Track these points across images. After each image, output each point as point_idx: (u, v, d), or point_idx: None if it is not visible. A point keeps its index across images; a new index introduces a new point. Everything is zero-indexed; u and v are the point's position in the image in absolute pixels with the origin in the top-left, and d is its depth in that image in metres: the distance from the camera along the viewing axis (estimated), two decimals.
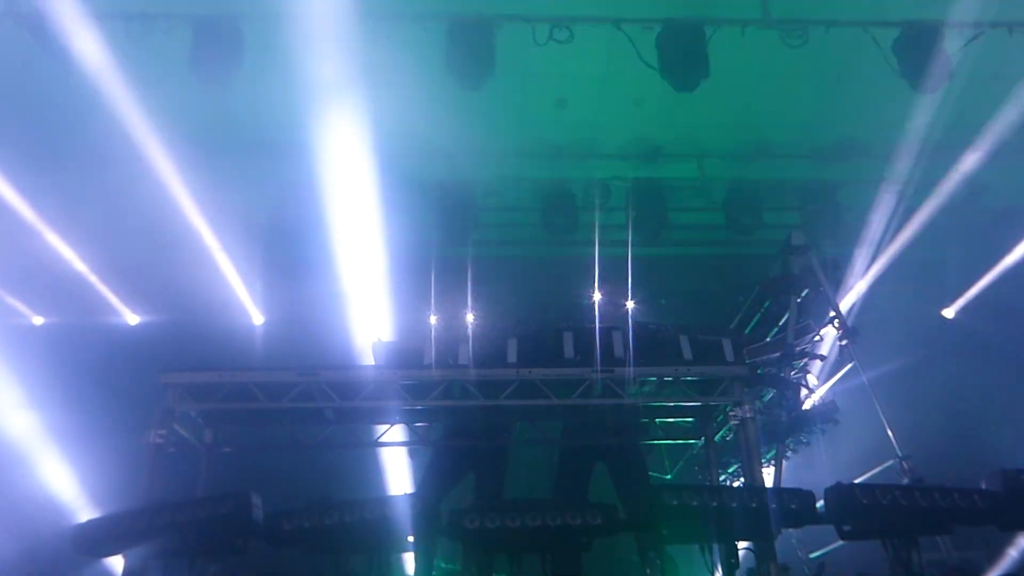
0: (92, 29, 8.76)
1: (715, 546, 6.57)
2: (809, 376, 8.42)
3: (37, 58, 8.91)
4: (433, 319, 8.41)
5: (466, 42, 9.10)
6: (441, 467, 8.20)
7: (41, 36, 8.58)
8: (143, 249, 11.32)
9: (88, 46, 8.82)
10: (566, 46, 9.04)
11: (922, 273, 12.21)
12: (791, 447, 8.70)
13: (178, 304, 11.87)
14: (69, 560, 6.85)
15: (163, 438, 7.14)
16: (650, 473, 8.65)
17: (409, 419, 8.11)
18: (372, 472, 12.18)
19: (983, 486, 6.68)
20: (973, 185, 11.31)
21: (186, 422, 7.63)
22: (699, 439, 8.85)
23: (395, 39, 9.19)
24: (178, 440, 7.46)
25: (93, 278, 12.12)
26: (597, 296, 8.64)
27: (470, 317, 8.28)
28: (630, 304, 8.58)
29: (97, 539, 6.39)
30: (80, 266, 11.87)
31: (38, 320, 12.95)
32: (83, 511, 8.93)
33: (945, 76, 9.09)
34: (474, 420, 7.83)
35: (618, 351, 7.46)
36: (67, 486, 9.86)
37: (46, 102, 9.88)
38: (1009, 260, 12.16)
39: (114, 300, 12.61)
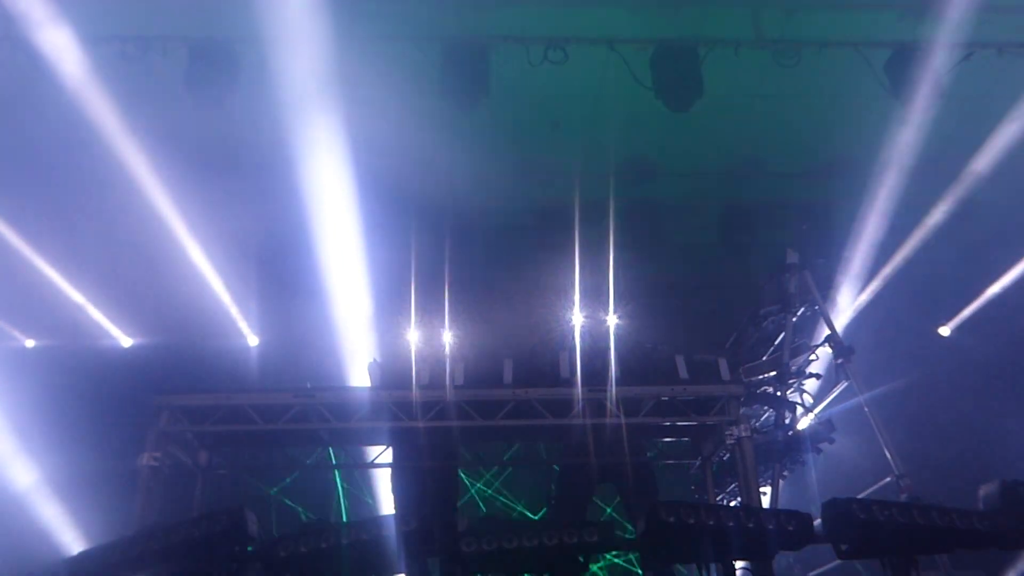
0: (88, 51, 8.78)
1: (712, 566, 6.54)
2: (805, 395, 8.43)
3: (30, 81, 8.92)
4: (430, 339, 8.40)
5: (460, 63, 9.14)
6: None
7: (37, 59, 8.59)
8: (137, 271, 11.28)
9: (83, 68, 8.85)
10: (560, 67, 9.09)
11: (917, 291, 12.24)
12: (787, 467, 8.69)
13: (172, 326, 11.83)
14: None
15: (158, 460, 7.10)
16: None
17: (404, 439, 8.08)
18: (368, 493, 12.14)
19: (981, 495, 6.66)
20: (967, 203, 11.36)
21: (181, 444, 7.59)
22: (696, 459, 8.83)
23: (389, 61, 9.23)
24: (173, 462, 7.42)
25: (86, 301, 12.07)
26: (591, 317, 8.64)
27: (466, 338, 8.28)
28: (613, 319, 8.59)
29: (92, 570, 6.32)
30: (72, 289, 11.82)
31: (30, 343, 12.89)
32: (76, 537, 8.84)
33: (936, 96, 9.16)
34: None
35: (614, 371, 7.46)
36: (59, 511, 9.75)
37: (38, 125, 9.86)
38: (1005, 278, 12.21)
39: (107, 323, 12.56)
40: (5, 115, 9.60)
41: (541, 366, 7.73)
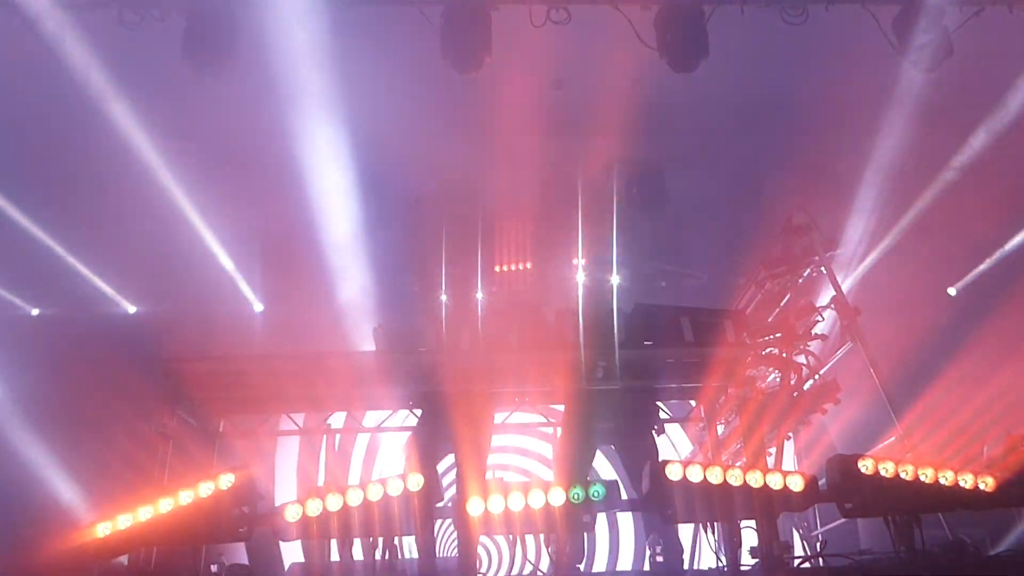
0: (85, 17, 8.70)
1: (718, 525, 6.60)
2: (810, 355, 8.42)
3: (32, 54, 8.84)
4: (437, 301, 8.41)
5: (462, 25, 9.01)
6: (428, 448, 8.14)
7: (35, 25, 8.51)
8: (141, 239, 11.24)
9: (82, 36, 8.78)
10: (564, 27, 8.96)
11: (925, 251, 12.17)
12: (792, 428, 8.73)
13: (178, 293, 11.83)
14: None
15: (167, 426, 7.15)
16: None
17: (411, 403, 8.11)
18: (377, 456, 12.23)
19: (986, 452, 6.70)
20: (975, 162, 11.25)
21: (190, 410, 7.63)
22: (701, 420, 8.87)
23: (390, 23, 9.14)
24: (182, 428, 7.47)
25: (88, 270, 12.04)
26: (598, 277, 8.61)
27: (475, 299, 8.29)
28: (615, 279, 8.57)
29: (107, 540, 6.39)
30: (75, 258, 11.78)
31: (35, 311, 12.90)
32: (86, 507, 8.87)
33: (945, 53, 9.03)
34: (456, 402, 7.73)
35: (621, 334, 7.46)
36: (68, 481, 9.78)
37: (43, 99, 9.78)
38: (1014, 238, 12.12)
39: (111, 290, 12.54)
40: (8, 89, 9.51)
41: (547, 329, 7.73)
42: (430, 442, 7.99)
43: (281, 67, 9.30)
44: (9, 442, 9.68)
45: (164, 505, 6.37)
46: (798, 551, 9.43)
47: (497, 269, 13.24)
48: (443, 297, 8.43)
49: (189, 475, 7.34)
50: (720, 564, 6.72)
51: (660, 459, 8.13)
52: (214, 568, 7.15)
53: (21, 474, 9.52)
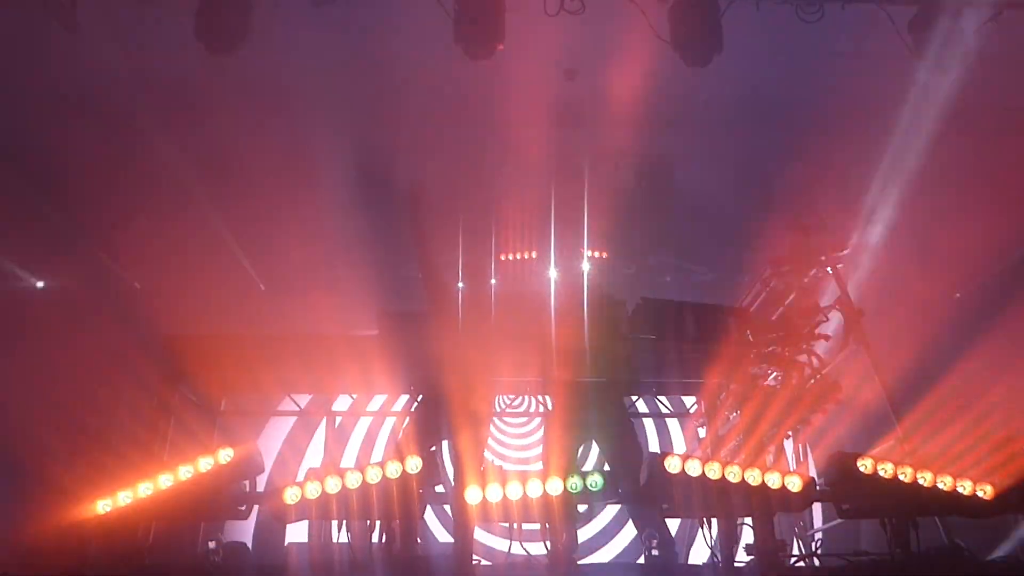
0: None
1: (714, 521, 6.61)
2: (813, 355, 8.40)
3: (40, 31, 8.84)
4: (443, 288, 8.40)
5: (475, 12, 8.98)
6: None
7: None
8: (146, 217, 11.24)
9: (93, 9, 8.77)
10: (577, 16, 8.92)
11: (934, 254, 12.12)
12: (793, 427, 8.72)
13: (182, 269, 11.83)
14: None
15: (168, 403, 7.17)
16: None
17: (411, 388, 8.12)
18: (374, 439, 12.25)
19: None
20: (984, 165, 11.19)
21: (192, 387, 7.65)
22: (701, 417, 8.88)
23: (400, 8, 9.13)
24: (184, 404, 7.49)
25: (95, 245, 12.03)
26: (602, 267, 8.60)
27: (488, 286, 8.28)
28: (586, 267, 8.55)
29: (106, 518, 6.42)
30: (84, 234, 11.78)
31: (39, 283, 12.90)
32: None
33: (961, 56, 8.97)
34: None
35: (623, 326, 7.46)
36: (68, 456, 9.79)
37: (54, 75, 9.77)
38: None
39: (114, 264, 12.53)
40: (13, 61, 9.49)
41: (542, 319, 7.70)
42: (428, 428, 8.01)
43: (291, 51, 9.28)
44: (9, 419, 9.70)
45: (164, 481, 6.40)
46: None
47: (503, 258, 13.25)
48: (459, 284, 8.41)
49: (189, 452, 7.38)
50: (715, 560, 6.74)
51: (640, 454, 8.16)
52: (212, 545, 7.20)
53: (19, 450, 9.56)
